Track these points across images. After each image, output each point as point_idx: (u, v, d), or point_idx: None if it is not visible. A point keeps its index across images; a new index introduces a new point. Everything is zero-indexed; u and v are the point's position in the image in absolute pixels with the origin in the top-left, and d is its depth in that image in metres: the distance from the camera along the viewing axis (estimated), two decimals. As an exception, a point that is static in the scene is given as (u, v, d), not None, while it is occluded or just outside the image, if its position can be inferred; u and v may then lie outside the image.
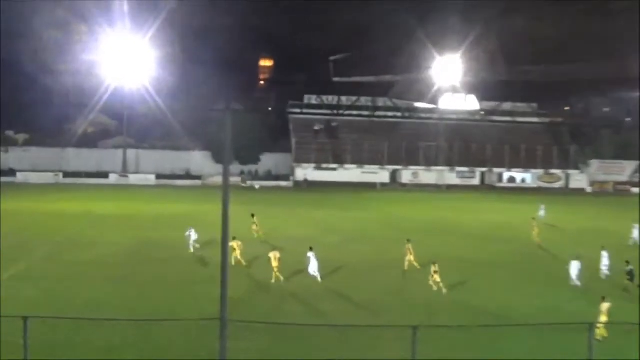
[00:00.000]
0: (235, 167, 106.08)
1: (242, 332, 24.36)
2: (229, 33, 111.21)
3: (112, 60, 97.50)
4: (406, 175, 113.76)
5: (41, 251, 44.30)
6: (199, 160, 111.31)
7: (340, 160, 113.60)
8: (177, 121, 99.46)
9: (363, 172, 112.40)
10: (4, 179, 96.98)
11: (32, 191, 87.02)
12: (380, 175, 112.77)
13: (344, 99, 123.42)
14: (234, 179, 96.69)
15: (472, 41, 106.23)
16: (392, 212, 75.38)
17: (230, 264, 38.15)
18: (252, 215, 50.93)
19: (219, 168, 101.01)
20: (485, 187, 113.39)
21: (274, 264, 36.52)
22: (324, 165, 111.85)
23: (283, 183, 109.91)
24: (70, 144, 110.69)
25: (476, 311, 32.19)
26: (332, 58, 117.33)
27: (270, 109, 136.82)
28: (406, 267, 39.98)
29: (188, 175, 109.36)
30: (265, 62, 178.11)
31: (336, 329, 27.39)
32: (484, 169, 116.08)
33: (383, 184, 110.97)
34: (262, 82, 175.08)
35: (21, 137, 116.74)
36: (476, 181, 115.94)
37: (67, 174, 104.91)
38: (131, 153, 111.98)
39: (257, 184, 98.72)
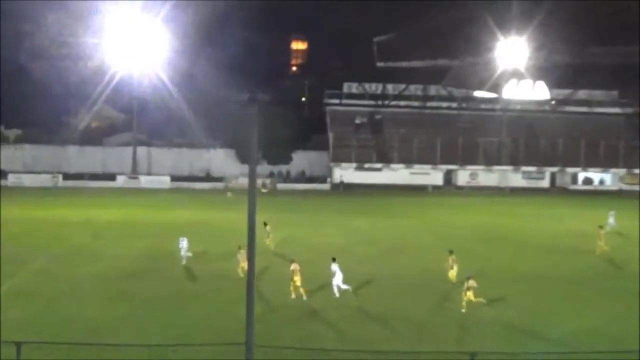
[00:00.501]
0: (263, 168, 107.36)
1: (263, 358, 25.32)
2: (255, 11, 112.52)
3: (120, 43, 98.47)
4: (463, 176, 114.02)
5: (37, 264, 45.42)
6: (220, 160, 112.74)
7: (385, 159, 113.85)
8: (195, 114, 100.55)
9: (412, 173, 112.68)
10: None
11: (27, 195, 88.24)
12: (432, 176, 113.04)
13: (389, 87, 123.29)
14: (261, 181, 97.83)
15: (541, 18, 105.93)
16: (442, 218, 75.86)
17: (238, 276, 39.54)
18: (265, 224, 51.20)
19: (244, 169, 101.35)
20: (556, 190, 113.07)
21: (296, 278, 37.52)
22: (367, 165, 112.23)
23: (319, 186, 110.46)
24: (71, 141, 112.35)
25: (526, 332, 32.80)
26: (376, 39, 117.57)
27: (303, 99, 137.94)
28: (455, 281, 40.73)
29: (208, 177, 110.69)
30: (298, 45, 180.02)
31: (373, 355, 27.82)
32: (554, 169, 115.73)
33: (435, 187, 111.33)
34: (294, 68, 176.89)
35: (13, 133, 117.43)
36: (545, 183, 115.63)
37: (67, 176, 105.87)
38: (142, 151, 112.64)
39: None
